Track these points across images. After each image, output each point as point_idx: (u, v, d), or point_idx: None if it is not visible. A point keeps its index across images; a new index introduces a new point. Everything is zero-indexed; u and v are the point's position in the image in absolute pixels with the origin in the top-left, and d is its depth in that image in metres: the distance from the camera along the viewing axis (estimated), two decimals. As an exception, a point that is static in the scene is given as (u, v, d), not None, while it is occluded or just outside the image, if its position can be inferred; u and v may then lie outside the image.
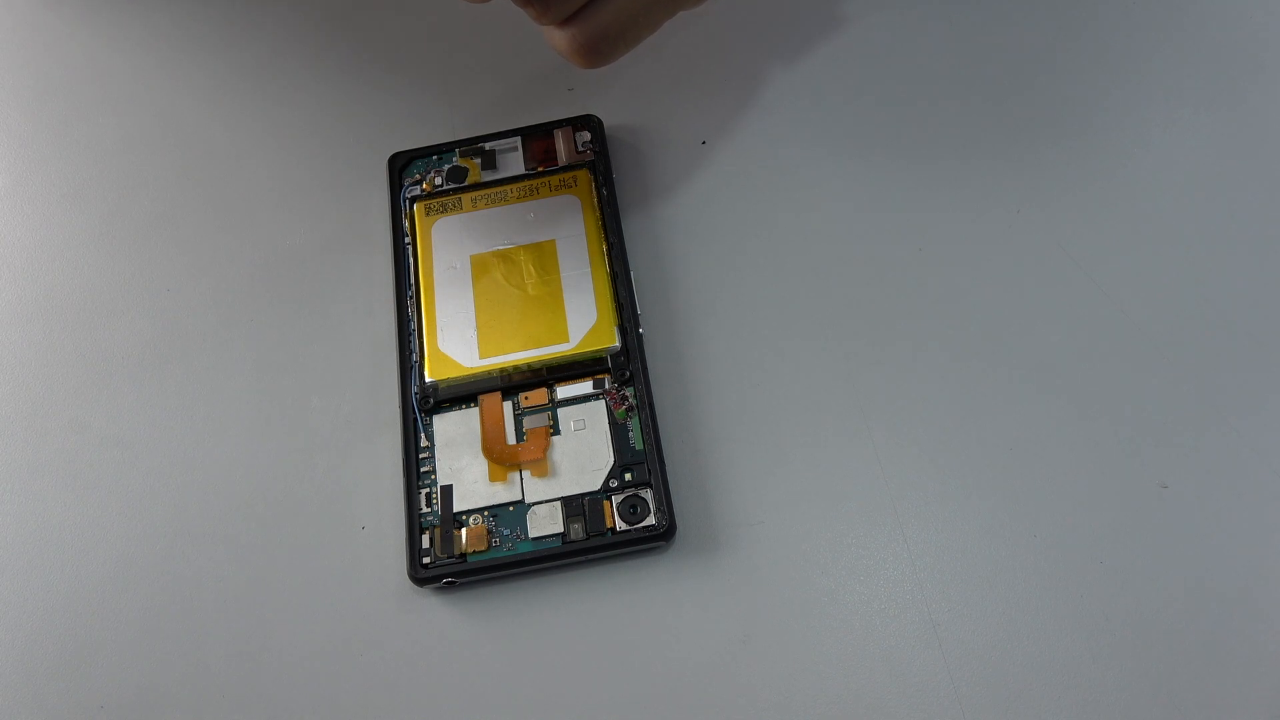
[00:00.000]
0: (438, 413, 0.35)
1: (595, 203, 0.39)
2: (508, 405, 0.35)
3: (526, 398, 0.35)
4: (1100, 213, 0.38)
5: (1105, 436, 0.33)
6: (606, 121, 0.41)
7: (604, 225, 0.38)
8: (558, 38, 0.32)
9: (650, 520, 0.32)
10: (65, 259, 0.41)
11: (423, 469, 0.34)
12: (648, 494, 0.33)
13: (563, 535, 0.33)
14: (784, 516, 0.33)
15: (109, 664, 0.33)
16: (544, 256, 0.38)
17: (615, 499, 0.33)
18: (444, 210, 0.39)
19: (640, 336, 0.36)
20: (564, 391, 0.35)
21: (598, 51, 0.32)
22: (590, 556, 0.32)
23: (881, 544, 0.33)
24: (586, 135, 0.40)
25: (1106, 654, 0.30)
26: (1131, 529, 0.32)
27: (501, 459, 0.34)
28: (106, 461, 0.36)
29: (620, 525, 0.32)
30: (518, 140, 0.41)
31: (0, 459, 0.37)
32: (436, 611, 0.33)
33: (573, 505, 0.33)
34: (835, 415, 0.35)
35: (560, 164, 0.40)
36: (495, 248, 0.38)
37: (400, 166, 0.40)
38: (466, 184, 0.40)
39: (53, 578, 0.34)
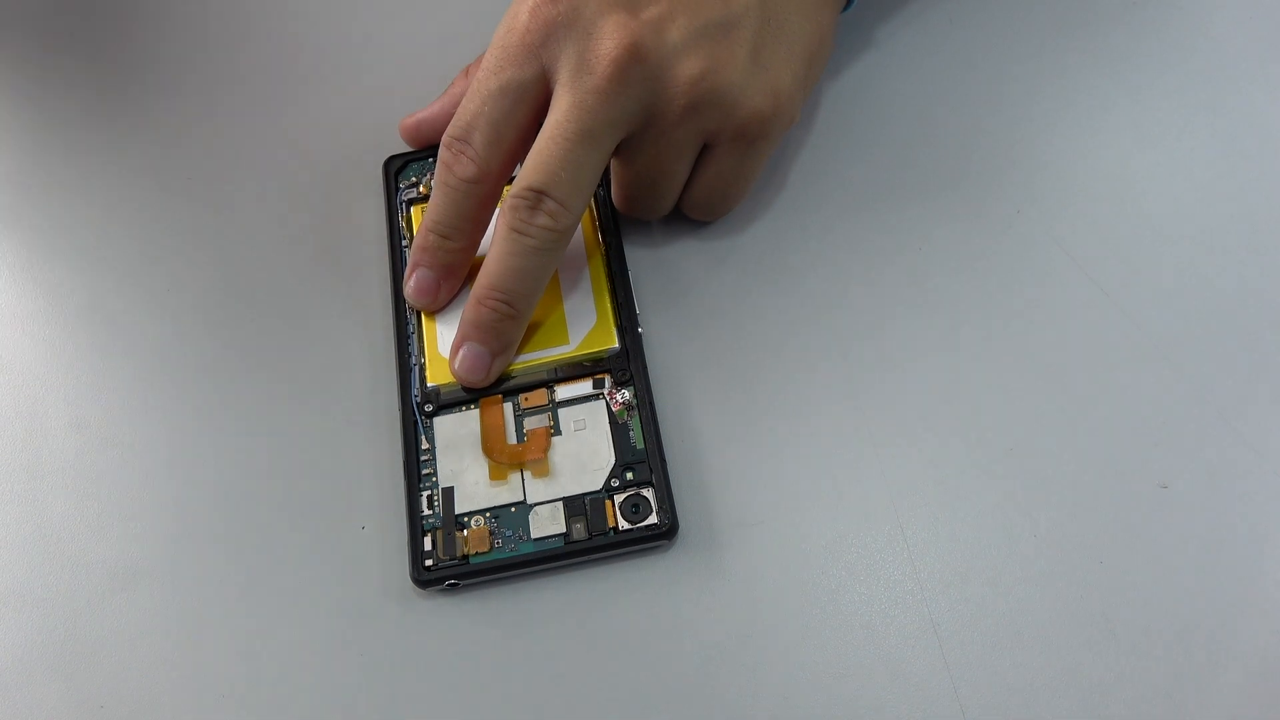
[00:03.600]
0: (437, 415, 0.35)
1: (593, 203, 0.38)
2: (508, 406, 0.35)
3: (526, 398, 0.35)
4: (1100, 213, 0.38)
5: (1105, 436, 0.33)
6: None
7: (601, 225, 0.38)
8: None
9: (652, 519, 0.32)
10: (66, 260, 0.41)
11: (424, 471, 0.34)
12: (649, 493, 0.33)
13: (565, 535, 0.33)
14: (784, 516, 0.33)
15: (109, 664, 0.33)
16: None
17: (617, 498, 0.33)
18: None
19: (640, 336, 0.36)
20: (564, 392, 0.35)
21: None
22: (592, 556, 0.32)
23: (881, 544, 0.33)
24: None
25: (1106, 654, 0.30)
26: (1131, 529, 0.32)
27: (502, 460, 0.34)
28: (106, 461, 0.36)
29: (623, 524, 0.32)
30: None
31: (0, 459, 0.37)
32: (439, 613, 0.33)
33: (574, 505, 0.33)
34: (835, 415, 0.35)
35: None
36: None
37: (396, 170, 0.40)
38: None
39: (53, 578, 0.34)
